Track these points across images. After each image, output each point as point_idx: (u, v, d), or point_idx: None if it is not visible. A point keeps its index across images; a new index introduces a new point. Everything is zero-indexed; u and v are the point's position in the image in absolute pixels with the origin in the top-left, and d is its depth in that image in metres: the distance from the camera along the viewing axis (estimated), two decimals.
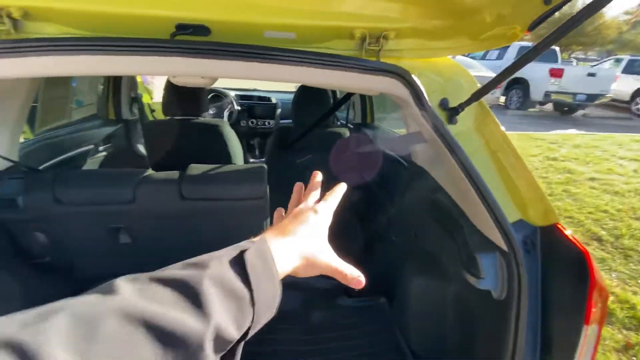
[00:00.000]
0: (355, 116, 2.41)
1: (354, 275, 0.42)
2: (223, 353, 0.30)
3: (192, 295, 0.28)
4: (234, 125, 3.25)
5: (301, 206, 0.45)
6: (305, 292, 1.52)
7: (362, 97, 2.29)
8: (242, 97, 3.62)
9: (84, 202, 1.10)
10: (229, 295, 0.30)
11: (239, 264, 0.32)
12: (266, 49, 0.69)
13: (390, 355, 1.30)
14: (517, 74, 8.44)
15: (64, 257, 1.25)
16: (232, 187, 1.19)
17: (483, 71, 7.71)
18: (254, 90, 4.01)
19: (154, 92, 3.26)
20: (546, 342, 0.77)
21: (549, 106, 9.43)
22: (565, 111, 9.16)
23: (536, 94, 8.60)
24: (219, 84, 3.54)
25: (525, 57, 0.65)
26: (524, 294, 0.79)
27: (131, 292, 0.27)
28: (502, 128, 0.88)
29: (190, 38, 0.72)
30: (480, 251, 0.89)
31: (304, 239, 0.40)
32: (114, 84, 2.09)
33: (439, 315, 1.18)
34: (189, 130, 2.06)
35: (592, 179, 4.21)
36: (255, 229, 1.40)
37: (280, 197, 1.30)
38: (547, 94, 8.45)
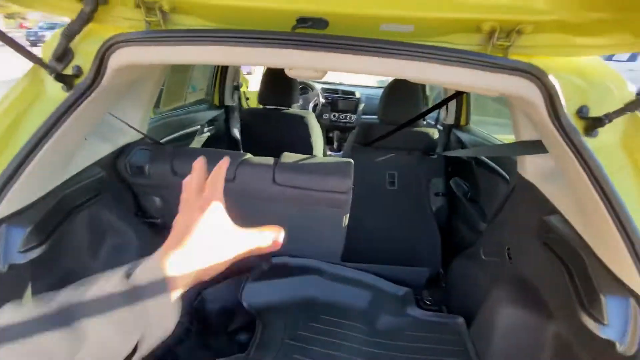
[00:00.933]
0: (447, 116, 2.24)
1: (272, 240, 0.43)
2: None
3: (66, 320, 0.31)
4: (317, 117, 3.34)
5: (186, 202, 0.44)
6: (374, 293, 1.48)
7: (459, 96, 2.11)
8: (327, 91, 3.69)
9: None
10: (110, 311, 0.32)
11: (128, 283, 0.34)
12: (385, 43, 0.67)
13: None
14: None
15: (171, 221, 1.44)
16: (320, 179, 1.21)
17: None
18: (339, 84, 4.05)
19: (249, 82, 3.52)
20: None
21: None
22: None
23: None
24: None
25: None
26: None
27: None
28: None
29: (309, 31, 0.73)
30: (606, 292, 0.74)
31: (199, 251, 0.39)
32: (221, 72, 2.31)
33: (531, 353, 1.03)
34: (280, 119, 2.18)
35: None
36: (335, 221, 1.41)
37: (356, 190, 1.29)
38: None
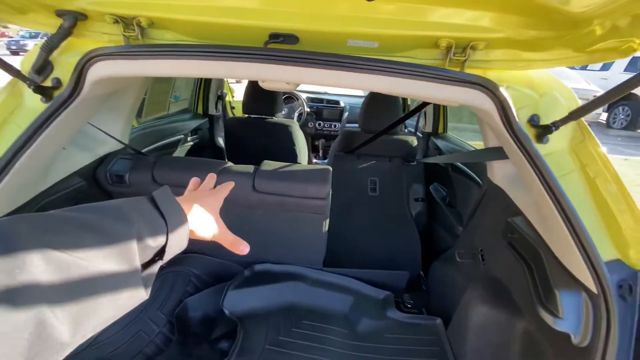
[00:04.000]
0: (425, 124, 2.32)
1: (237, 242, 0.53)
2: (145, 259, 0.41)
3: (114, 213, 0.40)
4: (302, 126, 3.39)
5: (200, 188, 0.61)
6: (355, 296, 1.51)
7: (436, 105, 2.20)
8: (312, 100, 3.76)
9: (174, 184, 1.26)
10: (143, 215, 0.42)
11: (150, 200, 0.45)
12: (350, 58, 0.72)
13: None
14: None
15: None
16: (298, 185, 1.25)
17: (582, 83, 6.77)
18: (324, 93, 4.13)
19: (235, 92, 3.55)
20: None
21: None
22: None
23: None
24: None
25: None
26: (611, 344, 0.68)
27: (72, 211, 0.38)
28: (605, 152, 0.77)
29: (280, 46, 0.78)
30: (561, 288, 0.79)
31: (201, 204, 0.52)
32: (205, 82, 2.34)
33: (503, 350, 1.08)
34: (263, 128, 2.21)
35: None
36: (315, 227, 1.44)
37: (339, 197, 1.32)
38: None
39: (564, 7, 0.57)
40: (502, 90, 0.71)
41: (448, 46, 0.74)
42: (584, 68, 8.52)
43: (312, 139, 3.73)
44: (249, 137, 2.20)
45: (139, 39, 0.82)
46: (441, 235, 1.88)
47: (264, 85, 0.81)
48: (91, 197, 1.22)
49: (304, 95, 3.68)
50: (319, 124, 3.64)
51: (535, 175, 0.76)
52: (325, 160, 3.19)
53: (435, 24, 0.71)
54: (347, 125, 3.67)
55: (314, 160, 3.60)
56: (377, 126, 1.98)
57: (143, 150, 1.54)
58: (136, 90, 1.28)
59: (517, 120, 0.74)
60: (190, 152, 2.14)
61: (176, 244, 0.44)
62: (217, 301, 1.35)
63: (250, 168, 1.27)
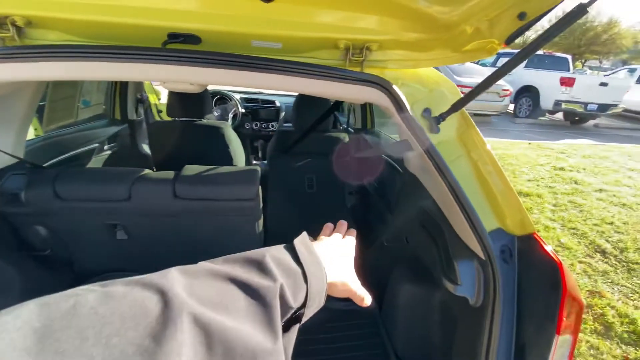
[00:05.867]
0: (356, 121, 2.44)
1: (365, 298, 0.49)
2: (284, 318, 0.35)
3: (259, 266, 0.35)
4: (238, 127, 3.31)
5: (336, 234, 0.53)
6: None
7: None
8: (246, 100, 3.68)
9: (83, 199, 1.15)
10: (285, 270, 0.36)
11: (290, 249, 0.40)
12: (252, 59, 0.73)
13: None
14: (528, 82, 8.44)
15: (63, 250, 1.30)
16: (223, 188, 1.22)
17: None
18: (260, 93, 4.08)
19: (161, 93, 3.34)
20: (519, 350, 0.78)
21: (559, 115, 9.32)
22: (575, 121, 9.04)
23: (546, 102, 8.51)
24: (225, 87, 3.61)
25: (503, 68, 0.67)
26: (498, 302, 0.80)
27: (216, 263, 0.34)
28: (484, 139, 0.90)
29: (181, 46, 0.75)
30: (458, 258, 0.90)
31: (342, 262, 0.48)
32: (121, 85, 2.16)
33: (425, 321, 1.19)
34: (192, 132, 2.11)
35: (599, 190, 4.14)
36: (247, 229, 1.43)
37: (278, 198, 1.32)
38: (558, 103, 8.35)
39: (428, 11, 0.64)
40: (395, 87, 0.79)
41: (346, 47, 0.79)
42: (494, 65, 9.64)
43: (250, 140, 3.65)
44: (177, 142, 2.09)
45: (16, 40, 0.73)
46: (375, 224, 1.99)
47: (166, 86, 0.78)
48: None
49: (237, 96, 3.59)
50: (256, 125, 3.58)
51: (430, 162, 0.85)
52: (265, 162, 3.16)
53: (332, 26, 0.76)
54: (284, 125, 3.67)
55: (254, 162, 3.54)
56: (309, 124, 2.02)
57: (47, 164, 1.38)
58: (27, 97, 1.14)
59: (410, 113, 0.82)
60: (109, 162, 1.96)
61: (315, 303, 0.38)
62: None
63: (170, 174, 1.21)
